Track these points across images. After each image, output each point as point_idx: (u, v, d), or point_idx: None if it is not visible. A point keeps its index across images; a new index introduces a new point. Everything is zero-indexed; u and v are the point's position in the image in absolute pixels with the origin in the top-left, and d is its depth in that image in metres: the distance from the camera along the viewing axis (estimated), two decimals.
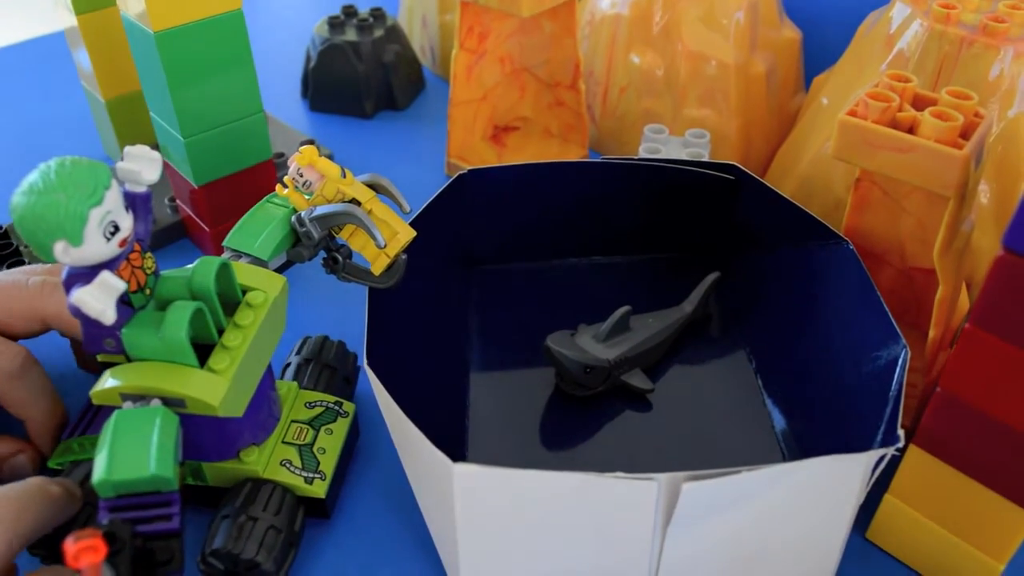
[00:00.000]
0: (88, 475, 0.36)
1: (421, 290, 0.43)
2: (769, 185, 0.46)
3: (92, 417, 0.40)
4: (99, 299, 0.28)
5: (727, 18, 0.56)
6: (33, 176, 0.28)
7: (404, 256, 0.38)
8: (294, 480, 0.37)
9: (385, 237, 0.36)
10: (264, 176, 0.53)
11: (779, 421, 0.43)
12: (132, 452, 0.29)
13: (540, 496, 0.31)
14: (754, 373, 0.46)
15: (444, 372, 0.45)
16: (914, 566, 0.38)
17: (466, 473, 0.30)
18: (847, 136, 0.38)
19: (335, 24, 0.70)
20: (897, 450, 0.31)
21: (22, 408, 0.40)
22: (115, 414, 0.31)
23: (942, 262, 0.38)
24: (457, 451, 0.41)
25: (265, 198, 0.39)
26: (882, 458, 0.31)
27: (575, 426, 0.43)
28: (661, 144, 0.52)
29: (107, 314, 0.29)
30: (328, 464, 0.39)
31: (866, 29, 0.52)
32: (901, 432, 0.31)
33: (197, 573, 0.36)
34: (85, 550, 0.26)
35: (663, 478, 0.29)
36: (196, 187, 0.51)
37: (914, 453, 0.35)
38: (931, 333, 0.39)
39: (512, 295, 0.51)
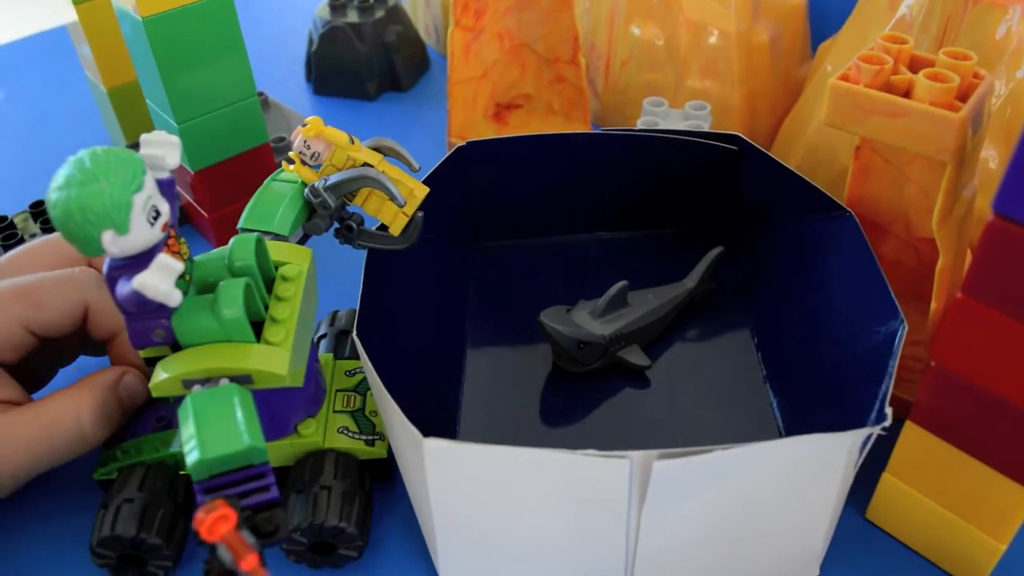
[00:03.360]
0: (144, 476, 0.37)
1: (419, 264, 0.43)
2: (772, 155, 0.44)
3: (124, 427, 0.40)
4: (165, 280, 0.28)
5: None
6: (67, 169, 0.28)
7: (420, 213, 0.38)
8: (355, 445, 0.38)
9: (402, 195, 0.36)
10: (262, 160, 0.53)
11: (778, 398, 0.42)
12: (220, 429, 0.29)
13: (512, 473, 0.30)
14: (755, 349, 0.44)
15: (440, 347, 0.44)
16: (914, 546, 0.36)
17: (436, 448, 0.30)
18: (839, 101, 0.36)
19: (336, 6, 0.69)
20: (884, 429, 0.30)
21: (112, 318, 0.39)
22: (188, 399, 0.30)
23: (941, 231, 0.36)
24: (448, 426, 0.41)
25: (269, 177, 0.39)
26: (869, 437, 0.30)
27: (570, 403, 0.42)
28: (660, 118, 0.51)
29: (174, 295, 0.28)
30: (384, 425, 0.39)
31: None
32: (889, 411, 0.30)
33: (274, 555, 0.37)
34: (218, 520, 0.26)
35: (636, 456, 0.28)
36: (193, 173, 0.51)
37: (910, 430, 0.34)
38: (932, 305, 0.37)
39: (513, 271, 0.50)
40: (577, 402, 0.42)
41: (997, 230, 0.27)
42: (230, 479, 0.29)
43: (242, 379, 0.32)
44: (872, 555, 0.37)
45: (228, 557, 0.25)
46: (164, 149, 0.31)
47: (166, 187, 0.31)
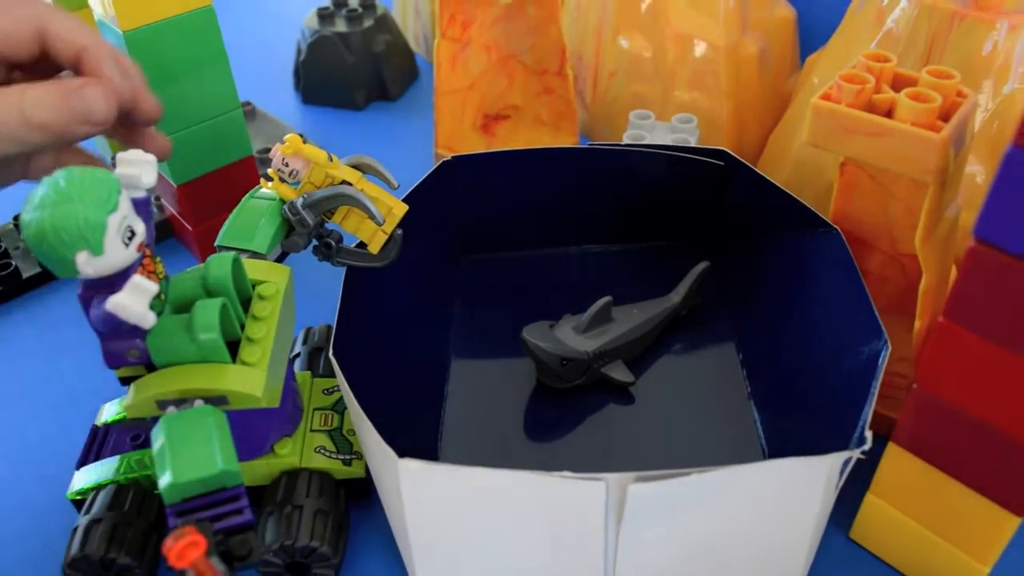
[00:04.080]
0: (115, 495, 0.37)
1: (401, 279, 0.43)
2: (758, 171, 0.44)
3: (100, 445, 0.40)
4: (139, 302, 0.28)
5: None
6: (42, 189, 0.27)
7: (400, 231, 0.37)
8: (332, 464, 0.38)
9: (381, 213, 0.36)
10: (245, 173, 0.53)
11: (762, 416, 0.41)
12: (194, 452, 0.29)
13: (488, 494, 0.30)
14: (740, 365, 0.44)
15: (424, 361, 0.44)
16: (898, 567, 0.36)
17: (411, 469, 0.29)
18: (820, 121, 0.36)
19: (324, 16, 0.69)
20: (864, 453, 0.29)
21: (74, 33, 0.35)
22: (162, 420, 0.30)
23: (925, 250, 0.36)
24: (430, 442, 0.41)
25: (248, 194, 0.38)
26: (849, 460, 0.30)
27: (553, 419, 0.42)
28: (647, 131, 0.51)
29: (148, 317, 0.28)
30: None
31: (858, 6, 0.50)
32: (869, 434, 0.30)
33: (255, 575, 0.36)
34: (187, 547, 0.26)
35: (611, 478, 0.28)
36: (176, 186, 0.51)
37: (893, 451, 0.33)
38: (916, 324, 0.37)
39: (500, 284, 0.50)
40: (560, 418, 0.42)
41: (978, 256, 0.27)
42: (203, 502, 0.29)
43: (217, 400, 0.32)
44: (856, 575, 0.36)
45: None
46: (140, 168, 0.30)
47: (142, 206, 0.31)
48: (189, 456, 0.29)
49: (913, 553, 0.35)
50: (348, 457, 0.38)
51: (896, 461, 0.34)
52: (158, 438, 0.29)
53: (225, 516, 0.29)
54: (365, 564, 0.38)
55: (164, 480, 0.28)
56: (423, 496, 0.30)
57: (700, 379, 0.44)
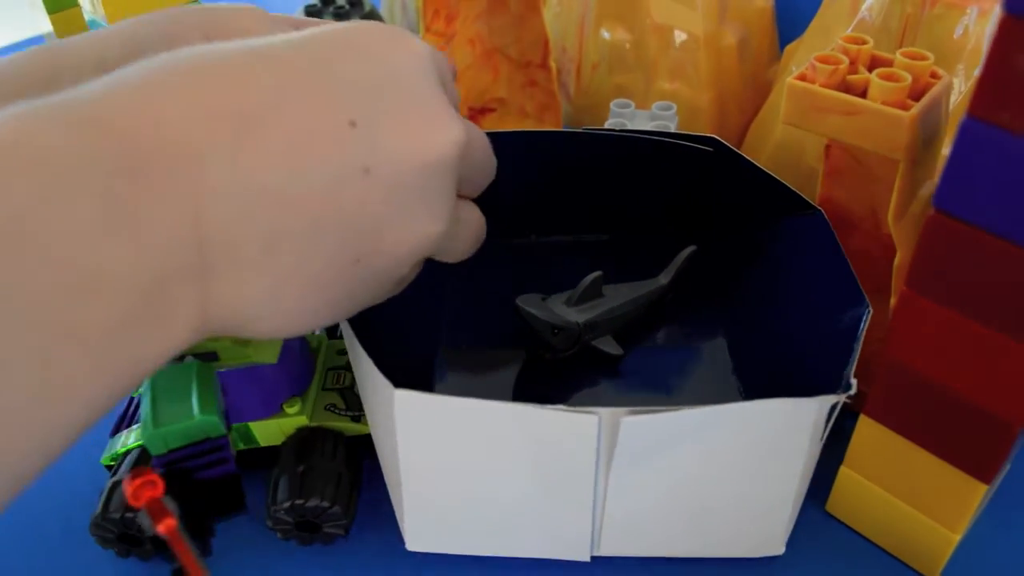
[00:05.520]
0: (139, 457, 0.37)
1: None
2: (747, 157, 0.45)
3: (133, 412, 0.41)
4: None
5: None
6: None
7: None
8: (342, 422, 0.38)
9: None
10: None
11: (748, 387, 0.42)
12: (175, 402, 0.30)
13: (483, 427, 0.31)
14: (727, 345, 0.45)
15: (414, 345, 0.45)
16: (872, 538, 0.37)
17: (406, 398, 0.30)
18: (796, 100, 0.37)
19: (312, 12, 0.69)
20: (849, 398, 0.30)
21: None
22: (149, 379, 0.31)
23: (898, 227, 0.37)
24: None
25: None
26: (835, 406, 0.31)
27: (544, 393, 0.43)
28: (627, 119, 0.51)
29: None
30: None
31: None
32: (854, 380, 0.31)
33: (267, 533, 0.37)
34: (142, 486, 0.26)
35: (604, 412, 0.29)
36: None
37: (865, 423, 0.34)
38: (892, 300, 0.38)
39: (488, 272, 0.50)
40: (550, 392, 0.43)
41: (937, 225, 0.27)
42: (189, 452, 0.30)
43: (207, 356, 0.33)
44: (833, 547, 0.37)
45: (147, 522, 0.25)
46: None
47: None
48: (170, 406, 0.30)
49: (886, 523, 0.36)
50: (357, 414, 0.39)
51: (868, 432, 0.34)
52: (145, 393, 0.31)
53: (210, 465, 0.30)
54: (379, 519, 0.39)
55: (145, 431, 0.30)
56: (417, 429, 0.31)
57: (687, 356, 0.45)
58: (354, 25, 0.28)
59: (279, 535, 0.37)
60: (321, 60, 0.26)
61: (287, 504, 0.35)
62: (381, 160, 0.25)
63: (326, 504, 0.35)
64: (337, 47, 0.26)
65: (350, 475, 0.37)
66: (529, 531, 0.34)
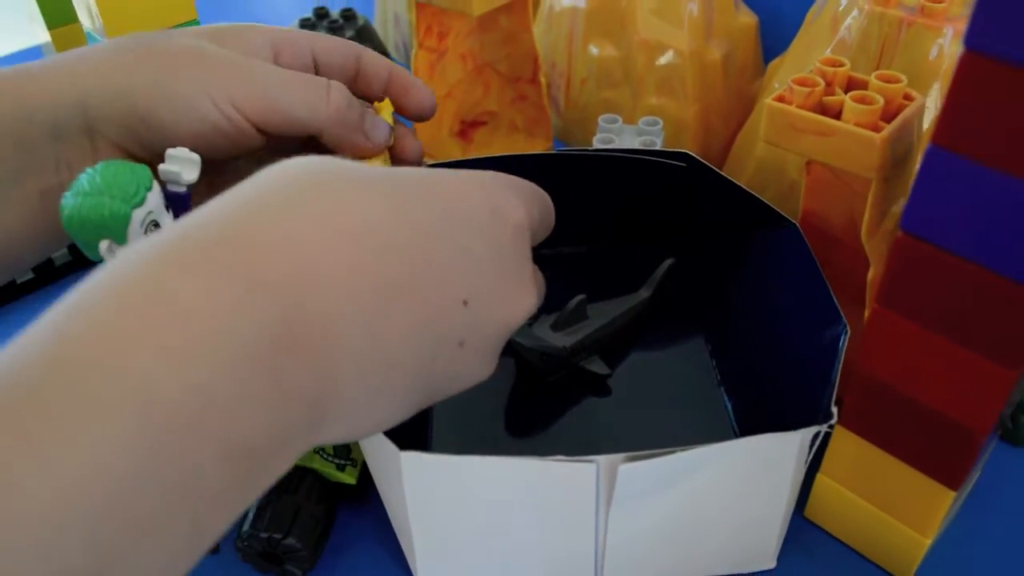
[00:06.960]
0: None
1: None
2: (720, 172, 0.46)
3: None
4: None
5: (681, 6, 0.56)
6: (80, 179, 0.30)
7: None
8: (326, 467, 0.39)
9: None
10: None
11: (732, 403, 0.44)
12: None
13: (486, 481, 0.32)
14: (709, 355, 0.46)
15: None
16: (848, 542, 0.38)
17: (413, 460, 0.31)
18: (773, 120, 0.39)
19: (306, 26, 0.70)
20: (830, 427, 0.32)
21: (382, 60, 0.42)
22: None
23: (871, 243, 0.38)
24: (421, 438, 0.43)
25: None
26: (817, 434, 0.32)
27: (536, 412, 0.44)
28: (615, 134, 0.53)
29: None
30: (360, 452, 0.40)
31: (814, 15, 0.52)
32: (835, 410, 0.32)
33: (234, 552, 0.38)
34: None
35: (602, 460, 0.30)
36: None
37: (841, 433, 0.36)
38: (866, 314, 0.39)
39: None
40: (543, 411, 0.44)
41: (904, 246, 0.29)
42: None
43: None
44: (812, 552, 0.38)
45: None
46: (181, 166, 0.32)
47: (180, 201, 0.32)
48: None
49: (861, 528, 0.37)
50: (342, 463, 0.39)
51: (843, 442, 0.36)
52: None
53: None
54: (351, 561, 0.39)
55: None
56: (423, 486, 0.32)
57: (672, 369, 0.46)
58: (461, 186, 0.29)
59: (240, 556, 0.38)
60: (444, 232, 0.27)
61: (260, 534, 0.36)
62: (477, 335, 0.28)
63: (291, 542, 0.36)
64: (455, 215, 0.28)
65: (322, 518, 0.38)
66: (535, 568, 0.36)
